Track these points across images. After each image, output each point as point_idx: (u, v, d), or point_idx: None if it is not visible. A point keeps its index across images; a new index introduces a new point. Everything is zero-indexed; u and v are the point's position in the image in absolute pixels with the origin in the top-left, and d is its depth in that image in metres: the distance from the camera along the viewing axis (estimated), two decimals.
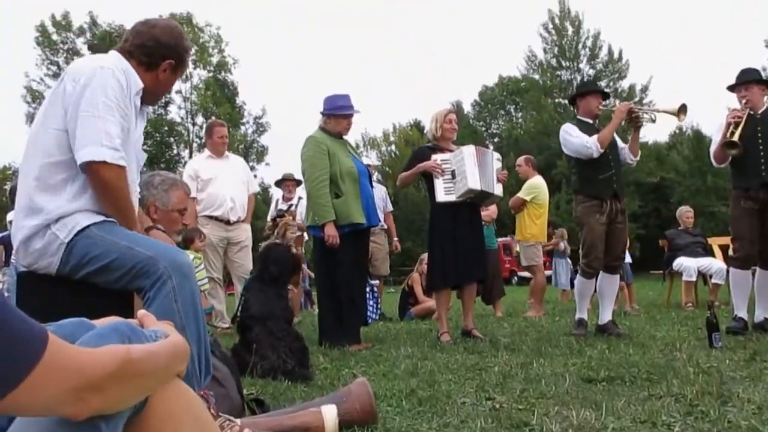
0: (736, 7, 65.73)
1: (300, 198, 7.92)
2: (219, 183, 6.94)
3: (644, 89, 40.07)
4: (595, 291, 5.72)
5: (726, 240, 7.75)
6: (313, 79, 75.32)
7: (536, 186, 8.64)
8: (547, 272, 10.47)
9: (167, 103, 36.60)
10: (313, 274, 9.72)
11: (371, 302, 7.59)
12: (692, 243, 9.03)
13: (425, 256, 7.80)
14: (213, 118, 31.83)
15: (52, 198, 2.43)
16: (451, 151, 5.69)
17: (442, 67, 77.26)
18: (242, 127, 40.30)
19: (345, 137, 5.75)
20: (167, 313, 2.26)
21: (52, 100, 2.53)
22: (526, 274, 13.57)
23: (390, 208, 9.13)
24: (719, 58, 62.59)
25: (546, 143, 36.94)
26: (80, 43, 37.95)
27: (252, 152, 40.03)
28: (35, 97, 36.57)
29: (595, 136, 5.41)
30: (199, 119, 39.16)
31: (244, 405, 2.74)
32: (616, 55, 40.70)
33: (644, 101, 39.03)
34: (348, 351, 4.92)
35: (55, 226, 2.41)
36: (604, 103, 5.83)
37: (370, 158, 42.09)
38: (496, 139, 46.29)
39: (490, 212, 8.31)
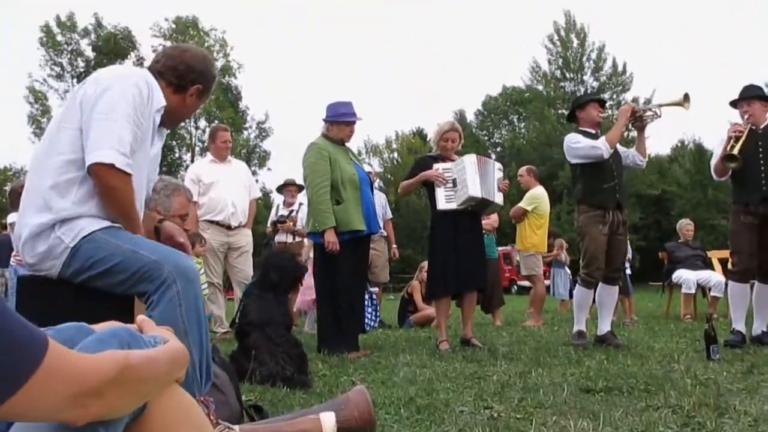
0: (742, 21, 65.86)
1: (301, 204, 7.93)
2: (221, 187, 6.95)
3: (647, 102, 40.06)
4: (594, 302, 5.72)
5: (725, 253, 7.75)
6: (316, 85, 75.42)
7: (537, 196, 8.66)
8: (545, 282, 10.49)
9: None
10: None
11: (370, 310, 7.58)
12: (692, 256, 9.05)
13: (425, 263, 7.81)
14: (216, 122, 31.92)
15: (60, 198, 2.43)
16: (453, 160, 5.71)
17: (446, 76, 77.38)
18: (245, 132, 40.35)
19: (347, 144, 5.77)
20: (171, 317, 2.27)
21: (72, 101, 2.54)
22: (525, 283, 13.58)
23: (389, 215, 9.14)
24: (723, 73, 62.70)
25: (548, 154, 36.96)
26: (84, 45, 38.06)
27: (254, 157, 40.07)
28: (38, 98, 36.60)
29: (603, 137, 5.43)
30: (202, 123, 39.22)
31: (243, 411, 2.75)
32: (620, 68, 40.76)
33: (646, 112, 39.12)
34: (347, 358, 4.92)
35: (60, 230, 2.41)
36: (603, 115, 5.84)
37: (372, 165, 42.25)
38: (498, 149, 46.32)
39: (491, 221, 8.33)
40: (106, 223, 2.48)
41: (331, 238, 5.31)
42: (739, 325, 5.33)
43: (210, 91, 2.94)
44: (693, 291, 8.71)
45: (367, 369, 4.33)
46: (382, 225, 8.01)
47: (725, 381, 3.51)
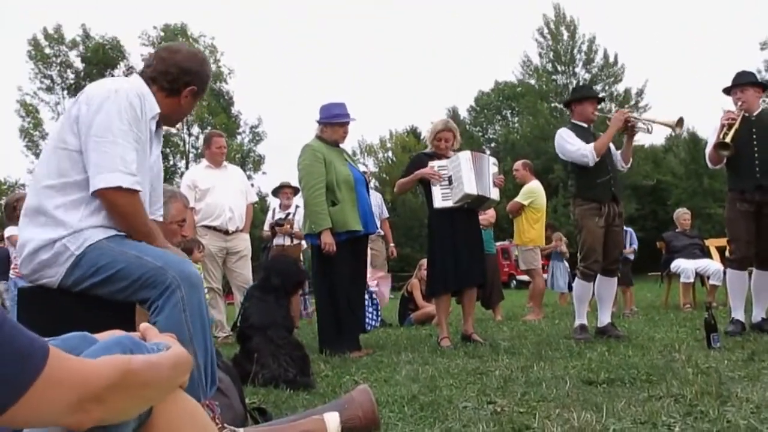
0: (732, 10, 65.93)
1: (297, 206, 7.94)
2: (217, 193, 6.96)
3: (640, 93, 40.19)
4: (593, 294, 5.74)
5: (723, 242, 7.76)
6: (308, 87, 75.41)
7: (534, 190, 8.67)
8: (544, 275, 10.51)
9: None
10: None
11: (370, 309, 7.59)
12: (689, 245, 9.06)
13: (424, 261, 7.81)
14: (209, 128, 31.86)
15: (67, 214, 2.43)
16: (448, 157, 5.71)
17: (438, 73, 77.30)
18: (238, 137, 40.29)
19: (341, 145, 5.77)
20: (176, 323, 2.27)
21: (66, 119, 2.53)
22: (524, 277, 13.61)
23: (386, 214, 9.16)
24: (715, 62, 62.77)
25: (543, 148, 36.97)
26: (73, 56, 37.84)
27: (249, 161, 40.00)
28: (29, 111, 36.40)
29: (592, 145, 5.44)
30: (195, 130, 39.12)
31: (247, 414, 2.76)
32: (611, 59, 40.82)
33: (640, 105, 39.19)
34: (348, 358, 4.93)
35: (67, 238, 2.41)
36: (599, 107, 5.87)
37: (367, 165, 42.24)
38: (492, 144, 46.27)
39: (488, 216, 8.33)
40: (113, 232, 2.48)
41: (327, 240, 5.31)
42: (738, 314, 5.34)
43: (205, 90, 2.89)
44: (691, 280, 8.73)
45: (370, 368, 4.33)
46: (379, 224, 8.02)
47: (726, 369, 3.52)
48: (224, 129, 29.28)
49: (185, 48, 2.87)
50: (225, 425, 2.17)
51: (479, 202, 5.70)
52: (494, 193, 5.69)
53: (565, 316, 7.89)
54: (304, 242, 7.67)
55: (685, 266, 8.72)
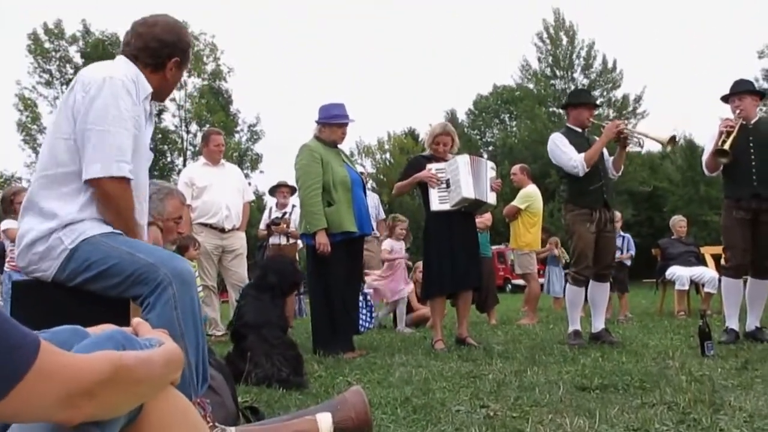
0: (731, 19, 66.04)
1: (294, 206, 7.93)
2: (214, 191, 6.95)
3: (638, 99, 40.18)
4: (587, 300, 5.74)
5: (718, 249, 7.79)
6: (307, 87, 75.23)
7: (531, 195, 8.68)
8: (540, 280, 10.51)
9: (161, 111, 36.44)
10: None
11: (364, 311, 7.58)
12: (685, 252, 9.08)
13: (420, 263, 7.80)
14: (207, 126, 31.82)
15: (65, 204, 2.44)
16: (446, 160, 5.71)
17: (437, 76, 77.18)
18: (236, 135, 40.25)
19: (339, 146, 5.76)
20: (167, 320, 2.26)
21: (63, 108, 2.53)
22: (520, 281, 13.58)
23: (383, 216, 9.15)
24: (713, 70, 62.78)
25: (540, 152, 36.83)
26: (73, 51, 37.78)
27: (246, 160, 39.97)
28: (27, 105, 36.34)
29: (582, 155, 5.45)
30: (193, 127, 39.06)
31: (239, 413, 2.75)
32: (610, 65, 40.81)
33: (638, 111, 39.22)
34: (342, 359, 4.93)
35: (62, 231, 2.41)
36: (596, 112, 5.88)
37: (364, 166, 42.20)
38: (490, 148, 46.25)
39: (484, 219, 8.34)
40: (108, 229, 2.47)
41: (322, 240, 5.31)
42: (733, 322, 5.35)
43: (189, 59, 2.84)
44: (687, 287, 8.74)
45: (363, 369, 4.33)
46: (375, 226, 8.01)
47: (720, 377, 3.52)
48: (222, 127, 29.18)
49: (162, 19, 2.79)
50: (216, 423, 2.16)
51: (476, 205, 5.71)
52: (491, 198, 5.70)
53: (560, 320, 7.89)
54: (300, 242, 7.68)
55: (680, 273, 8.73)
